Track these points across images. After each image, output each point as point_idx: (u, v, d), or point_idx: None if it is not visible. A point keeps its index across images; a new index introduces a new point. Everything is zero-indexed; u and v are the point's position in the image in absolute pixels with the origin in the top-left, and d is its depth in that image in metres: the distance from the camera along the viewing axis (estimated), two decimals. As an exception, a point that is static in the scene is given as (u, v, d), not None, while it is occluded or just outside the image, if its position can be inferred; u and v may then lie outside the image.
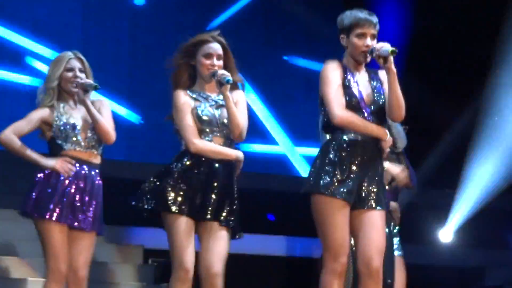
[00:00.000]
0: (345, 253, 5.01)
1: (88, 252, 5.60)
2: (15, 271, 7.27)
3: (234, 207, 5.30)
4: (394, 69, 5.02)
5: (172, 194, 5.24)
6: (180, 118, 5.28)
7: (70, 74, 5.54)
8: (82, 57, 5.64)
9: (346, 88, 5.10)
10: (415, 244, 9.45)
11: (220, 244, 5.27)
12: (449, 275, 10.02)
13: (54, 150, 5.61)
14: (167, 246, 5.42)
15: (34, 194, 5.52)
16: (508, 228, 10.81)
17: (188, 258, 5.21)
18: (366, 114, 5.08)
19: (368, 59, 5.13)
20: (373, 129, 5.08)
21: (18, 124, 5.56)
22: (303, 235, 9.11)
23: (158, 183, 5.29)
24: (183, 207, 5.20)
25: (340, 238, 4.99)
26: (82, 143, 5.63)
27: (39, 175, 5.57)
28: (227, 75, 5.20)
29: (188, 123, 5.28)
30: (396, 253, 6.41)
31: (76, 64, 5.59)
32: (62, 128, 5.58)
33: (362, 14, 5.11)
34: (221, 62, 5.30)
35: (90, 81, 5.58)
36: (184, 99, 5.30)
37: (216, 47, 5.32)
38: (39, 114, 5.61)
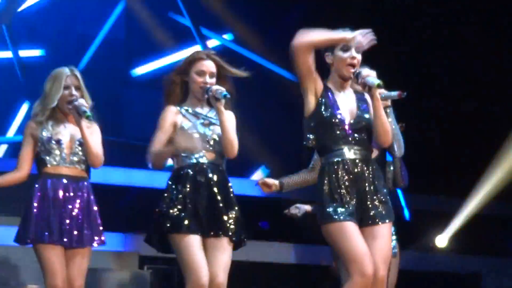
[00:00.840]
0: (371, 262, 5.02)
1: (85, 264, 5.60)
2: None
3: (235, 215, 5.33)
4: (378, 97, 5.04)
5: (179, 217, 5.22)
6: (156, 131, 5.29)
7: (66, 92, 5.54)
8: (78, 74, 5.63)
9: (328, 106, 5.09)
10: (414, 250, 9.48)
11: (224, 256, 5.32)
12: (446, 281, 10.05)
13: (39, 164, 5.64)
14: (167, 255, 5.49)
15: (28, 222, 5.49)
16: (506, 235, 10.87)
17: (204, 274, 5.23)
18: (348, 131, 5.09)
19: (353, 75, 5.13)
20: (332, 34, 5.09)
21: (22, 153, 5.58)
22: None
23: (163, 211, 5.26)
24: (191, 226, 5.22)
25: (362, 247, 5.03)
26: (67, 159, 5.62)
27: (34, 194, 5.51)
28: (223, 90, 5.21)
29: (159, 137, 5.25)
30: (393, 251, 6.30)
31: (73, 82, 5.58)
32: (46, 143, 5.57)
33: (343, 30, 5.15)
34: (213, 80, 5.29)
35: (84, 107, 5.49)
36: (169, 117, 5.29)
37: (209, 65, 5.33)
38: (29, 130, 5.60)
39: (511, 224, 10.81)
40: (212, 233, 5.27)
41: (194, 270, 5.20)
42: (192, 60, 5.33)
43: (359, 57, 5.12)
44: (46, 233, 5.50)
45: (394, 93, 5.36)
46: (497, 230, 10.89)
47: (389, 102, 5.59)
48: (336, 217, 5.03)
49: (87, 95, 5.60)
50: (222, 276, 5.24)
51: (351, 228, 5.06)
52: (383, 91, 5.28)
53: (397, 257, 6.36)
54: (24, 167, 5.60)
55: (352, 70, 5.08)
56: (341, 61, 5.09)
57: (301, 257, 9.22)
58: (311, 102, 5.22)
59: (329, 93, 5.18)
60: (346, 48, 5.08)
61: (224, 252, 5.32)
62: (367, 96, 5.16)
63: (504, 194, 10.73)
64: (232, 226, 5.30)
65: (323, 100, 5.16)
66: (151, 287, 8.00)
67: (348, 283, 5.03)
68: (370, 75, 5.05)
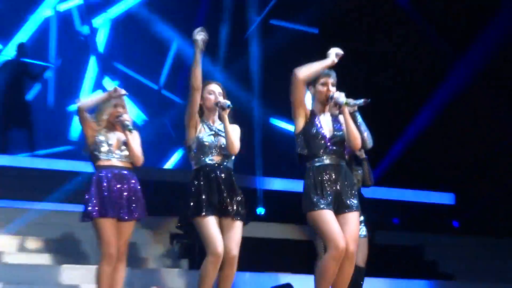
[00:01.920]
0: (343, 240, 5.47)
1: (130, 235, 6.11)
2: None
3: (240, 198, 5.84)
4: (347, 112, 5.61)
5: (199, 203, 5.75)
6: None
7: (115, 109, 6.14)
8: (122, 90, 6.17)
9: (314, 126, 5.66)
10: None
11: (236, 233, 5.80)
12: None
13: (94, 159, 6.14)
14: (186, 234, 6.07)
15: (90, 200, 6.01)
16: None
17: (219, 245, 5.68)
18: (328, 144, 5.64)
19: (329, 102, 5.68)
20: (320, 63, 5.61)
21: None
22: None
23: (189, 199, 5.78)
24: (207, 210, 5.72)
25: (337, 228, 5.51)
26: (115, 155, 6.13)
27: (93, 181, 6.07)
28: (228, 102, 5.80)
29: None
30: (362, 235, 6.77)
31: (120, 102, 6.19)
32: (101, 143, 6.13)
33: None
34: (221, 98, 5.89)
35: (127, 121, 6.08)
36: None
37: (216, 87, 5.95)
38: (92, 125, 6.14)
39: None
40: (224, 216, 5.78)
41: (212, 242, 5.65)
42: (204, 85, 5.90)
43: (333, 89, 5.68)
44: (103, 211, 5.97)
45: (360, 101, 5.80)
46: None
47: (356, 107, 5.97)
48: (317, 207, 5.55)
49: (128, 111, 6.19)
50: (235, 250, 5.75)
51: (328, 215, 5.54)
52: (351, 100, 5.69)
53: (366, 238, 6.99)
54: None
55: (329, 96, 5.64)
56: (320, 93, 5.70)
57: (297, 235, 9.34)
58: (301, 122, 5.73)
59: (315, 116, 5.70)
60: (324, 84, 5.69)
61: (236, 231, 5.80)
62: (340, 118, 5.71)
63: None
64: (239, 209, 5.80)
65: (311, 121, 5.69)
66: (178, 257, 8.49)
67: (326, 255, 5.52)
68: (340, 97, 5.61)
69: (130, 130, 6.10)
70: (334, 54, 5.64)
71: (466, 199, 11.31)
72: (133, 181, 6.16)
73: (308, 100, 5.80)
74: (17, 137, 10.94)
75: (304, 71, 5.61)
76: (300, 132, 5.72)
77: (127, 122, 6.09)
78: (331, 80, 5.71)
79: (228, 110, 5.79)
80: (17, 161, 9.90)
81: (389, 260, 9.21)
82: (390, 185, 11.11)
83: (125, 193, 6.09)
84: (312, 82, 5.72)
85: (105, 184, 6.04)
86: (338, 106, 5.64)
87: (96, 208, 5.99)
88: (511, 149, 11.25)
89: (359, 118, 6.08)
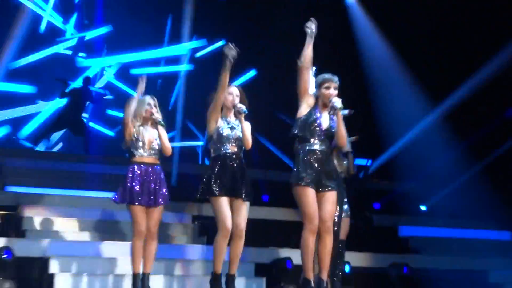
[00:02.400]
0: (317, 218, 5.57)
1: (159, 218, 6.24)
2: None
3: (248, 183, 5.97)
4: (340, 115, 5.69)
5: (215, 185, 5.87)
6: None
7: (148, 107, 6.22)
8: (154, 98, 6.29)
9: (314, 115, 5.70)
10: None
11: (243, 212, 5.92)
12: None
13: (130, 155, 6.24)
14: (208, 214, 6.32)
15: (124, 187, 6.14)
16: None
17: (229, 221, 5.82)
18: (321, 134, 5.70)
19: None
20: (307, 42, 5.61)
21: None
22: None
23: (205, 181, 5.93)
24: (222, 191, 5.86)
25: (313, 209, 5.61)
26: (146, 153, 6.22)
27: (128, 174, 6.15)
28: (244, 108, 5.91)
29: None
30: (344, 214, 6.84)
31: (151, 101, 6.28)
32: (136, 141, 6.22)
33: (327, 75, 5.77)
34: (238, 99, 6.00)
35: (159, 118, 6.16)
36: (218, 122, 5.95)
37: (235, 90, 6.05)
38: (132, 127, 6.18)
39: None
40: (235, 197, 5.91)
41: (223, 219, 5.80)
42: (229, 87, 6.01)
43: (335, 92, 5.72)
44: (133, 198, 6.11)
45: (346, 111, 5.88)
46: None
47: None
48: (303, 181, 5.62)
49: (159, 109, 6.23)
50: (243, 224, 5.88)
51: (309, 192, 5.60)
52: (334, 100, 5.70)
53: (348, 218, 7.02)
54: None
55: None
56: (324, 95, 5.75)
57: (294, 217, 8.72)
58: (304, 108, 5.74)
59: (317, 108, 5.74)
60: (327, 87, 5.73)
61: (244, 210, 5.92)
62: (334, 118, 5.76)
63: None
64: (248, 192, 5.94)
65: (313, 111, 5.71)
66: (199, 234, 8.56)
67: (304, 230, 5.63)
68: (336, 102, 5.65)
69: (162, 125, 6.18)
70: (311, 25, 5.66)
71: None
72: (159, 174, 6.23)
73: (311, 89, 5.78)
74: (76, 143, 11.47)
75: (302, 59, 5.64)
76: (301, 117, 5.74)
77: (159, 119, 6.18)
78: (334, 84, 5.74)
79: (243, 114, 5.91)
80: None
81: (369, 237, 9.27)
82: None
83: (152, 184, 6.17)
84: (317, 86, 5.75)
85: (137, 176, 6.14)
86: (334, 109, 5.68)
87: (128, 196, 6.10)
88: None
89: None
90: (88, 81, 11.67)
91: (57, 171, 9.39)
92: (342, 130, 5.75)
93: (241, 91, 6.07)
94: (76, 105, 11.20)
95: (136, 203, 6.10)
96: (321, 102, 5.76)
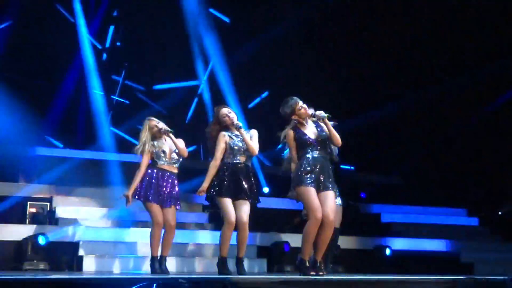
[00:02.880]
0: (321, 210, 5.55)
1: (174, 214, 6.19)
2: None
3: (253, 187, 5.98)
4: (328, 122, 5.71)
5: (221, 188, 5.92)
6: (216, 147, 6.00)
7: (154, 129, 6.23)
8: (153, 118, 6.30)
9: (301, 136, 5.72)
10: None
11: (245, 208, 5.94)
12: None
13: (153, 163, 6.24)
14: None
15: (142, 187, 6.15)
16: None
17: (233, 217, 5.87)
18: (315, 144, 5.71)
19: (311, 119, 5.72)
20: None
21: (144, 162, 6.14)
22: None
23: (215, 184, 5.94)
24: (227, 193, 5.90)
25: (317, 204, 5.60)
26: (167, 161, 6.25)
27: (146, 175, 6.18)
28: (239, 124, 5.97)
29: (218, 151, 5.96)
30: (338, 204, 6.65)
31: (154, 122, 6.28)
32: (156, 153, 6.26)
33: (292, 100, 5.73)
34: (232, 114, 6.03)
35: (166, 127, 6.19)
36: (222, 137, 5.99)
37: (227, 110, 6.07)
38: (147, 155, 6.18)
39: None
40: (239, 199, 5.95)
41: (228, 214, 5.87)
42: (217, 112, 6.06)
43: (306, 107, 5.75)
44: (149, 197, 6.15)
45: (331, 122, 5.84)
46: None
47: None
48: (305, 184, 5.64)
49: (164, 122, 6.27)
50: (245, 218, 5.92)
51: (311, 191, 5.63)
52: (319, 113, 5.72)
53: (341, 207, 6.90)
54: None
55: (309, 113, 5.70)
56: (303, 113, 5.74)
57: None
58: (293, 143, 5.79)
59: (299, 131, 5.75)
60: (300, 107, 5.71)
61: (246, 207, 5.96)
62: (320, 123, 5.79)
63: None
64: (251, 194, 5.96)
65: (298, 135, 5.74)
66: (208, 221, 8.61)
67: (308, 222, 5.62)
68: (321, 112, 5.72)
69: (172, 132, 6.20)
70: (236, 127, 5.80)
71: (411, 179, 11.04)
72: (174, 180, 6.27)
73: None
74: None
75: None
76: (293, 144, 5.80)
77: (167, 129, 6.22)
78: (300, 103, 5.78)
79: (241, 129, 5.96)
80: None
81: (356, 223, 9.19)
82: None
83: (167, 188, 6.20)
84: (292, 112, 5.74)
85: (153, 179, 6.19)
86: (322, 119, 5.74)
87: (144, 194, 6.15)
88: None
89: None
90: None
91: (84, 168, 9.29)
92: (334, 133, 5.78)
93: (229, 108, 6.12)
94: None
95: (152, 202, 6.14)
96: (301, 121, 5.79)
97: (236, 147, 6.01)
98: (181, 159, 6.31)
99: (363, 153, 10.85)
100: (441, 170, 10.83)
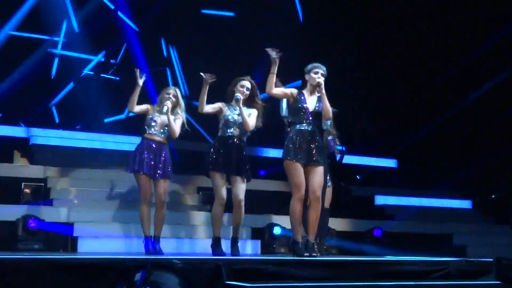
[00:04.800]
0: (303, 188, 5.56)
1: (165, 189, 6.10)
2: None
3: (245, 162, 5.96)
4: (323, 92, 5.64)
5: (212, 162, 5.92)
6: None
7: (165, 95, 6.16)
8: (176, 89, 6.22)
9: (299, 101, 5.70)
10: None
11: (240, 185, 5.94)
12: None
13: (143, 130, 6.19)
14: (210, 185, 6.08)
15: (133, 158, 6.10)
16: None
17: (223, 193, 5.88)
18: (308, 116, 5.69)
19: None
20: (271, 73, 5.51)
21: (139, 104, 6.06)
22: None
23: (207, 157, 5.99)
24: (218, 167, 5.89)
25: (300, 180, 5.61)
26: (156, 132, 6.15)
27: (136, 147, 6.14)
28: (238, 95, 5.89)
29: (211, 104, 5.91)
30: (328, 185, 6.79)
31: (171, 91, 6.21)
32: (150, 120, 6.17)
33: (316, 64, 5.78)
34: (248, 92, 5.97)
35: (165, 108, 6.03)
36: (219, 104, 5.99)
37: (246, 83, 6.02)
38: (146, 106, 6.15)
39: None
40: (232, 174, 5.92)
41: (218, 190, 5.85)
42: (240, 79, 6.05)
43: (322, 78, 5.72)
44: (140, 168, 6.05)
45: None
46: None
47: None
48: (291, 157, 5.61)
49: (172, 100, 6.07)
50: (241, 196, 5.88)
51: (297, 166, 5.58)
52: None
53: (331, 188, 6.99)
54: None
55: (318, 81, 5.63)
56: (313, 79, 5.74)
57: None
58: (290, 102, 5.78)
59: (302, 95, 5.72)
60: (316, 72, 5.75)
61: (240, 183, 5.94)
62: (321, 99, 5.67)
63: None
64: (244, 169, 5.94)
65: (297, 99, 5.71)
66: (202, 203, 8.48)
67: (292, 198, 5.64)
68: (318, 79, 5.67)
69: (163, 112, 6.07)
70: (274, 54, 5.52)
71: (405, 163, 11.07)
72: (165, 152, 6.17)
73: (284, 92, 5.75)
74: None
75: (268, 87, 5.62)
76: (291, 104, 5.77)
77: (165, 107, 6.08)
78: (322, 71, 5.76)
79: (239, 101, 5.91)
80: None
81: (350, 206, 9.27)
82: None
83: (157, 159, 6.09)
84: (307, 71, 5.76)
85: (144, 149, 6.08)
86: (318, 86, 5.66)
87: (135, 166, 6.04)
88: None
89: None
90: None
91: (80, 148, 9.29)
92: (327, 105, 5.69)
93: (254, 86, 6.03)
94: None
95: (141, 172, 6.02)
96: (309, 85, 5.78)
97: (231, 120, 5.96)
98: (168, 134, 6.20)
99: (356, 135, 10.88)
100: (434, 153, 10.83)
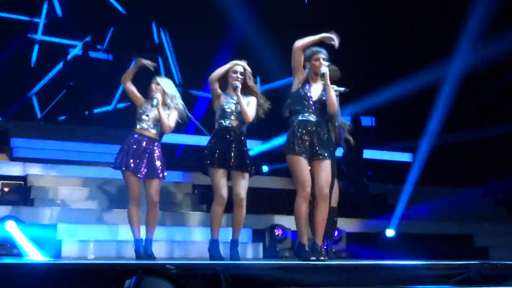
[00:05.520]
0: (309, 185, 5.55)
1: (157, 188, 6.08)
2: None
3: (247, 156, 5.95)
4: (328, 83, 5.67)
5: (212, 157, 5.91)
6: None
7: (153, 86, 6.14)
8: (160, 79, 6.20)
9: (304, 89, 5.72)
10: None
11: (242, 181, 5.91)
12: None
13: (134, 124, 6.19)
14: (207, 183, 6.20)
15: (120, 154, 6.08)
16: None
17: (223, 192, 5.85)
18: (312, 105, 5.69)
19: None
20: (314, 37, 5.58)
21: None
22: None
23: (206, 153, 5.96)
24: (218, 163, 5.87)
25: (305, 176, 5.60)
26: (147, 126, 6.17)
27: (125, 141, 6.11)
28: (236, 83, 5.91)
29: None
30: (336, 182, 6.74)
31: (158, 84, 6.20)
32: (142, 114, 6.17)
33: (315, 48, 5.77)
34: (242, 76, 5.97)
35: (155, 101, 6.05)
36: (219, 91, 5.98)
37: (239, 68, 6.01)
38: (139, 95, 6.17)
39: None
40: (233, 169, 5.88)
41: (218, 188, 5.82)
42: (232, 65, 6.01)
43: (325, 63, 5.73)
44: (127, 165, 6.05)
45: (342, 88, 5.88)
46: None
47: (337, 93, 5.92)
48: (294, 151, 5.60)
49: (161, 93, 6.05)
50: (243, 193, 5.88)
51: (301, 161, 5.58)
52: (335, 86, 5.76)
53: (337, 182, 6.88)
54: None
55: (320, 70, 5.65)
56: (315, 66, 5.76)
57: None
58: (296, 84, 5.76)
59: (306, 83, 5.76)
60: (316, 59, 5.77)
61: (242, 180, 5.93)
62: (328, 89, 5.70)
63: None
64: (246, 164, 5.91)
65: (303, 86, 5.73)
66: (199, 202, 8.59)
67: (297, 196, 5.61)
68: (323, 69, 5.67)
69: (152, 105, 6.09)
70: (330, 37, 5.59)
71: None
72: (157, 148, 6.16)
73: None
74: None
75: (299, 42, 5.62)
76: (293, 92, 5.78)
77: (154, 100, 6.09)
78: (322, 55, 5.76)
79: (237, 90, 5.92)
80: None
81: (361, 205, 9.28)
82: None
83: (147, 156, 6.09)
84: (307, 58, 5.75)
85: (133, 145, 6.08)
86: (321, 76, 5.71)
87: (123, 162, 6.03)
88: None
89: (337, 101, 6.06)
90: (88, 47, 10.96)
91: (63, 143, 9.35)
92: (332, 97, 5.70)
93: (246, 69, 6.03)
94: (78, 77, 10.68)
95: (130, 170, 6.02)
96: (312, 73, 5.79)
97: (228, 109, 5.98)
98: (160, 130, 6.25)
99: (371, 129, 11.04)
100: (454, 148, 10.89)
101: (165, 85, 6.21)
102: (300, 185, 5.59)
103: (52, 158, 8.71)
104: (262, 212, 8.34)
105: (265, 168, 10.24)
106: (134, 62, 6.13)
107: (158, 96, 6.11)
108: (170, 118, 6.17)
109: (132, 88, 6.16)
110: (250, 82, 6.00)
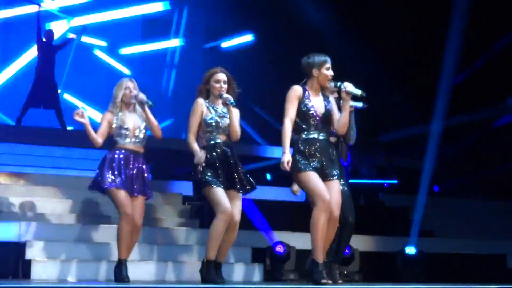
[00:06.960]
0: (328, 194, 5.62)
1: (142, 208, 6.22)
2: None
3: (242, 173, 6.04)
4: (348, 101, 5.77)
5: (207, 176, 5.92)
6: (190, 117, 6.03)
7: (127, 91, 6.21)
8: (133, 80, 6.31)
9: (305, 105, 5.80)
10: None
11: (238, 203, 6.01)
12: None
13: (111, 143, 6.24)
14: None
15: (102, 172, 6.13)
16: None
17: (229, 206, 5.86)
18: (317, 120, 5.80)
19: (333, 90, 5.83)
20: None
21: (100, 130, 6.16)
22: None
23: (197, 172, 5.96)
24: (218, 182, 5.91)
25: (321, 185, 5.65)
26: (131, 140, 6.22)
27: (107, 158, 6.18)
28: (231, 98, 5.97)
29: (192, 122, 5.99)
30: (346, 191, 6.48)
31: (130, 84, 6.27)
32: (120, 129, 6.22)
33: (323, 56, 5.85)
34: (226, 86, 6.05)
35: (145, 97, 6.14)
36: (199, 105, 6.01)
37: (222, 76, 6.07)
38: (107, 118, 6.22)
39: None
40: (230, 189, 5.96)
41: (222, 204, 5.84)
42: (212, 73, 6.08)
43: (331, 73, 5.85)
44: (113, 182, 6.10)
45: (360, 104, 6.10)
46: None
47: (353, 108, 6.14)
48: (304, 168, 5.69)
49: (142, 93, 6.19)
50: (238, 216, 5.99)
51: (314, 175, 5.69)
52: (349, 88, 5.80)
53: (350, 197, 6.52)
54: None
55: (331, 83, 5.78)
56: (325, 76, 5.84)
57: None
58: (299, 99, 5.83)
59: (307, 97, 5.82)
60: (328, 68, 5.85)
61: (238, 201, 6.01)
62: (330, 99, 5.90)
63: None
64: (243, 183, 6.01)
65: (303, 101, 5.81)
66: (190, 217, 8.60)
67: (315, 208, 5.66)
68: (350, 86, 5.77)
69: (150, 105, 6.19)
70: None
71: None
72: (142, 164, 6.29)
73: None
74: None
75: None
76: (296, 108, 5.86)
77: (144, 99, 6.19)
78: (330, 65, 5.89)
79: (231, 106, 5.97)
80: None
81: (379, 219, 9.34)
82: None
83: (133, 172, 6.21)
84: (316, 66, 5.84)
85: (119, 161, 6.19)
86: (346, 94, 5.78)
87: (107, 180, 6.11)
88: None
89: (353, 118, 6.32)
90: (51, 35, 11.34)
91: (35, 148, 9.38)
92: (346, 118, 5.84)
93: (229, 77, 6.12)
94: (46, 63, 10.96)
95: (117, 187, 6.13)
96: (316, 84, 5.86)
97: (213, 123, 6.05)
98: (144, 139, 6.33)
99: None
100: (485, 156, 11.04)
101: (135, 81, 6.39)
102: (318, 195, 5.66)
103: (22, 165, 8.80)
104: (259, 228, 8.30)
105: (268, 177, 10.36)
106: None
107: (141, 95, 6.23)
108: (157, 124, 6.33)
109: (105, 135, 6.28)
110: (234, 94, 6.10)
